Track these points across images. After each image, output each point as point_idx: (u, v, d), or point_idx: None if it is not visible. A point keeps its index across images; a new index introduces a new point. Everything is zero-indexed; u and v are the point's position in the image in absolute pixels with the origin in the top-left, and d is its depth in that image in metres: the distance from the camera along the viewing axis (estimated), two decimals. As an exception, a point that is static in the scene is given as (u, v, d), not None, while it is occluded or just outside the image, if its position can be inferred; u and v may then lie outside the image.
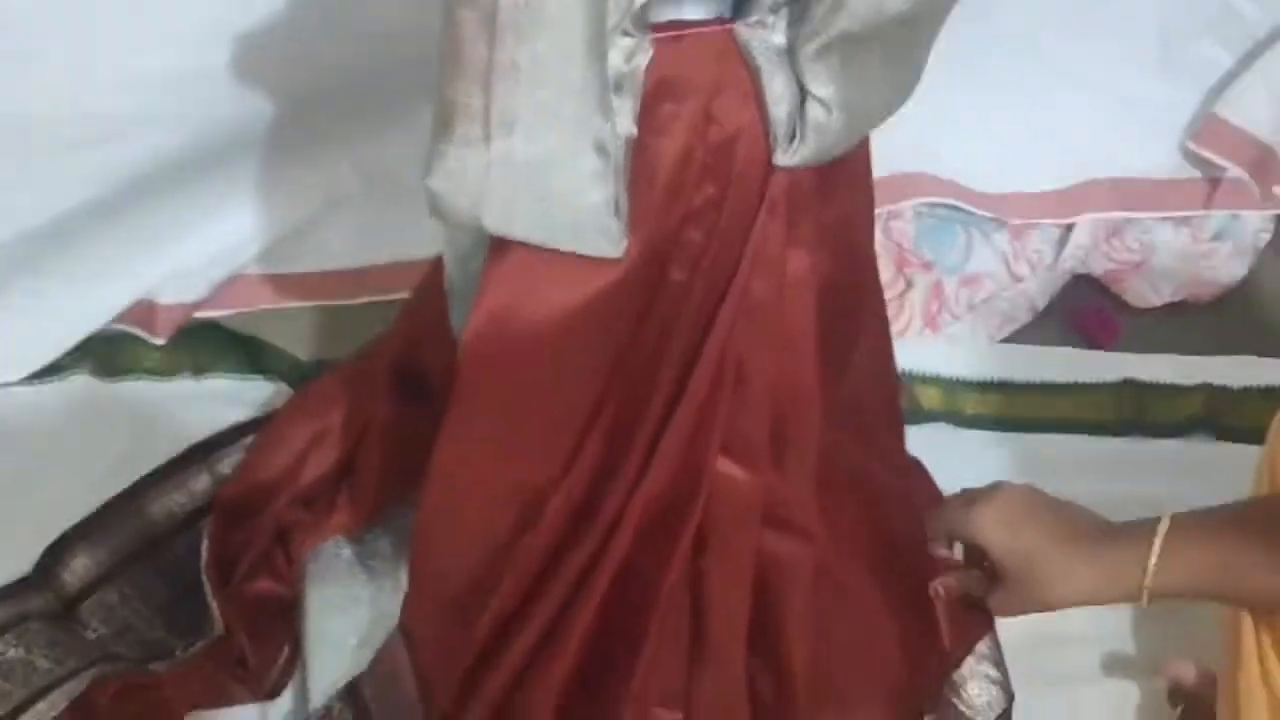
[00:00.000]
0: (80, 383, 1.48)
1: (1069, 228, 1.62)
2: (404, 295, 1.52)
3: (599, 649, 1.06)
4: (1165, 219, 1.64)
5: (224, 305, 1.53)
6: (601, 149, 0.84)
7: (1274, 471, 1.11)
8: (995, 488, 1.19)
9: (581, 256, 0.88)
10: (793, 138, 0.89)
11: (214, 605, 1.24)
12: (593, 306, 0.91)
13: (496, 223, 0.86)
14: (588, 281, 0.90)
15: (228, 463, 1.36)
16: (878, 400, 1.13)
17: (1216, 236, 1.65)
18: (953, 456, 1.41)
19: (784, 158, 0.89)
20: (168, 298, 1.50)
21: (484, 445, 0.99)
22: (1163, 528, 1.08)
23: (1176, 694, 1.19)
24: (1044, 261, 1.61)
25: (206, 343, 1.52)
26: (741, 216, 0.91)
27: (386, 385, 1.28)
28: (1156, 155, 1.65)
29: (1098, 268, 1.63)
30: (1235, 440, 1.47)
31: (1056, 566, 1.12)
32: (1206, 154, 1.62)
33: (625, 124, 0.86)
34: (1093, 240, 1.62)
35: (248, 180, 1.51)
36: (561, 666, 1.05)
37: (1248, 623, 1.08)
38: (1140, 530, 1.10)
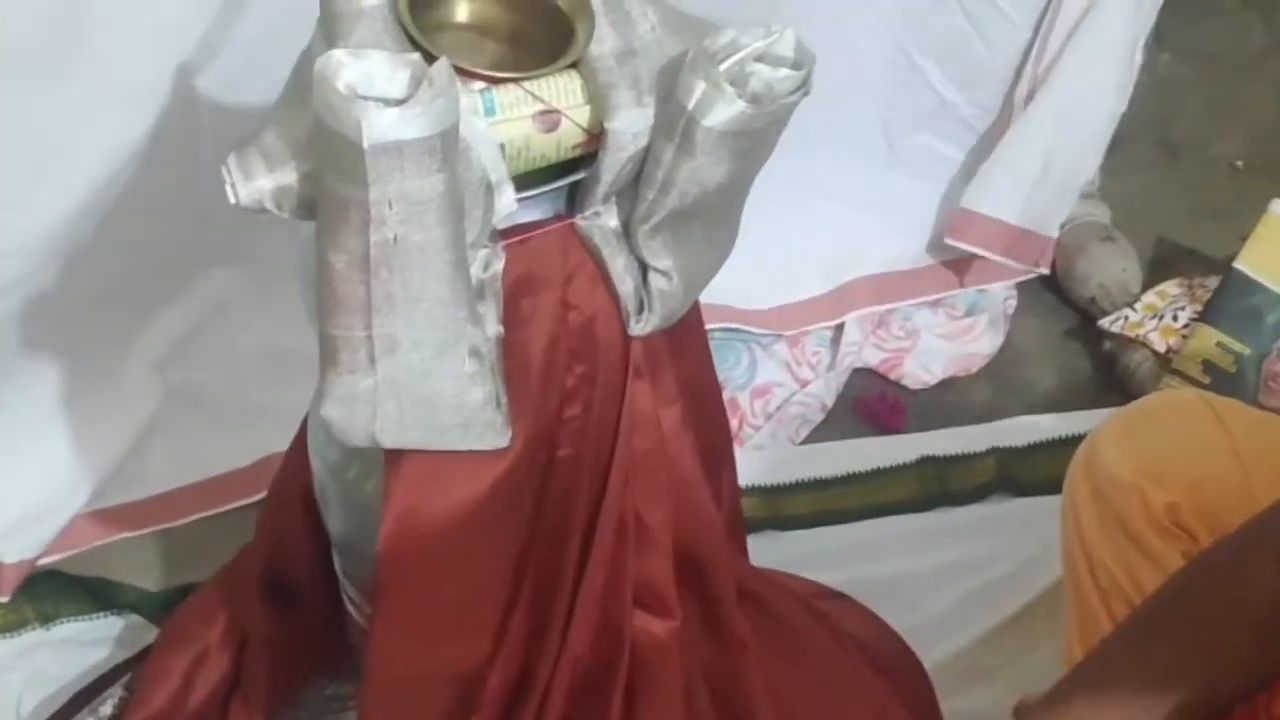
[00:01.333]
0: (-69, 655, 1.47)
1: (840, 328, 1.75)
2: (227, 508, 1.57)
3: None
4: (922, 304, 1.78)
5: (60, 549, 1.53)
6: (475, 352, 0.91)
7: (1077, 513, 1.19)
8: None
9: (473, 452, 0.94)
10: (641, 309, 0.97)
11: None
12: (492, 494, 0.97)
13: (391, 438, 0.92)
14: (483, 473, 0.96)
15: (110, 704, 1.37)
16: (735, 527, 1.22)
17: (969, 312, 1.80)
18: (782, 558, 1.49)
19: (637, 328, 0.97)
20: (11, 556, 1.50)
21: (414, 637, 1.03)
22: None
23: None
24: (823, 362, 1.73)
25: (50, 591, 1.52)
26: (612, 388, 0.99)
27: (257, 598, 1.30)
28: (906, 248, 1.80)
29: (872, 359, 1.76)
30: (1032, 494, 1.60)
31: None
32: (964, 246, 1.75)
33: (492, 325, 0.93)
34: (863, 335, 1.75)
35: (61, 417, 1.53)
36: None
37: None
38: None
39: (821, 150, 1.70)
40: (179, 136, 1.30)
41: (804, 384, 1.71)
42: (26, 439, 1.50)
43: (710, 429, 1.10)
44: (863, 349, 1.75)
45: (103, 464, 1.55)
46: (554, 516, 1.03)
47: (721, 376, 1.65)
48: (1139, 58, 1.73)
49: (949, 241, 1.76)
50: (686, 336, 1.05)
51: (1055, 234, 1.78)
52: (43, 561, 1.52)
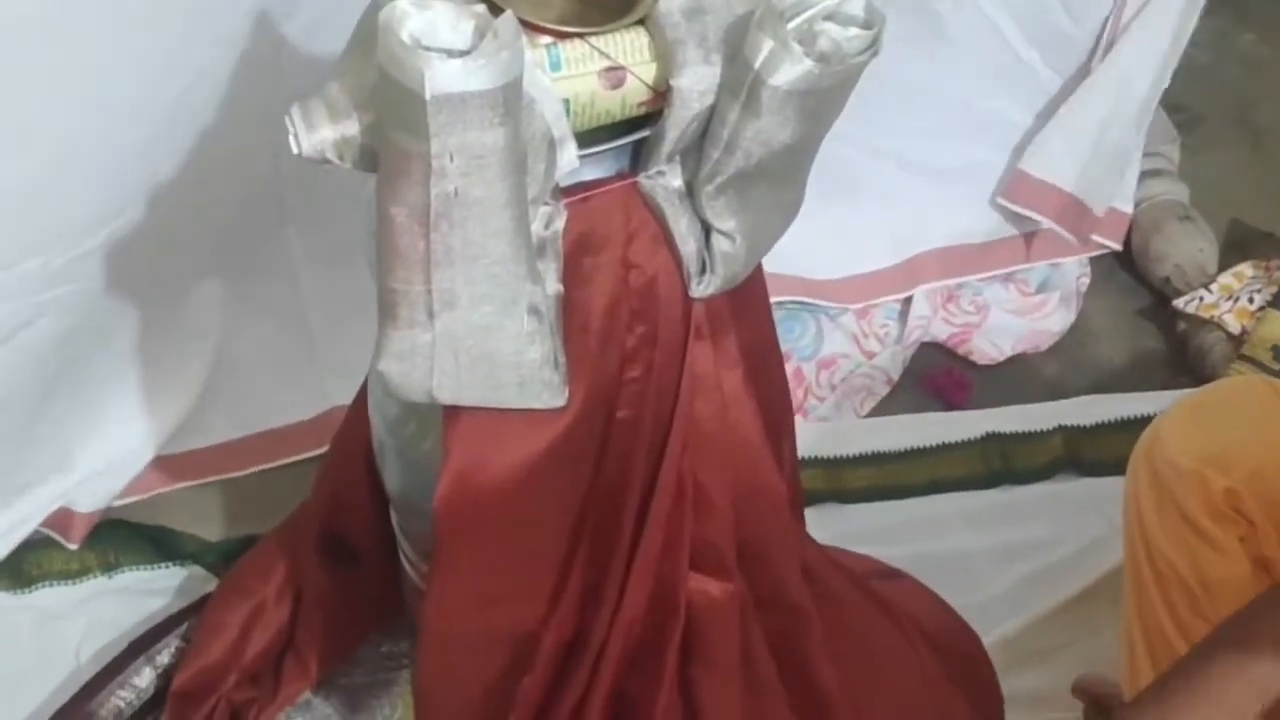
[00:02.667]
0: (-7, 600, 1.49)
1: (908, 301, 1.73)
2: (289, 461, 1.58)
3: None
4: (994, 279, 1.76)
5: (123, 495, 1.55)
6: (534, 310, 0.91)
7: (1137, 498, 1.19)
8: None
9: (530, 411, 0.94)
10: (704, 270, 0.96)
11: (182, 795, 1.27)
12: (549, 455, 0.96)
13: (448, 394, 0.92)
14: (541, 433, 0.96)
15: (167, 653, 1.39)
16: (797, 502, 1.20)
17: (1042, 288, 1.77)
18: (842, 532, 1.50)
19: (699, 289, 0.96)
20: (84, 505, 1.52)
21: (470, 597, 1.03)
22: None
23: (1092, 712, 1.27)
24: (891, 335, 1.72)
25: (114, 539, 1.53)
26: (672, 350, 0.98)
27: (314, 554, 1.31)
28: (976, 220, 1.77)
29: (941, 334, 1.74)
30: (1099, 474, 1.58)
31: None
32: (1016, 208, 1.73)
33: (553, 284, 0.93)
34: (931, 309, 1.73)
35: (134, 368, 1.54)
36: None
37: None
38: None
39: (895, 116, 1.69)
40: (259, 82, 1.30)
41: (870, 356, 1.70)
42: (100, 390, 1.51)
43: (771, 395, 1.09)
44: (931, 323, 1.73)
45: (171, 415, 1.57)
46: (612, 479, 1.02)
47: (787, 347, 1.66)
48: (1189, 31, 1.69)
49: (1000, 201, 1.74)
50: (749, 301, 1.04)
51: (1103, 210, 1.75)
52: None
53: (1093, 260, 1.80)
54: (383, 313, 0.90)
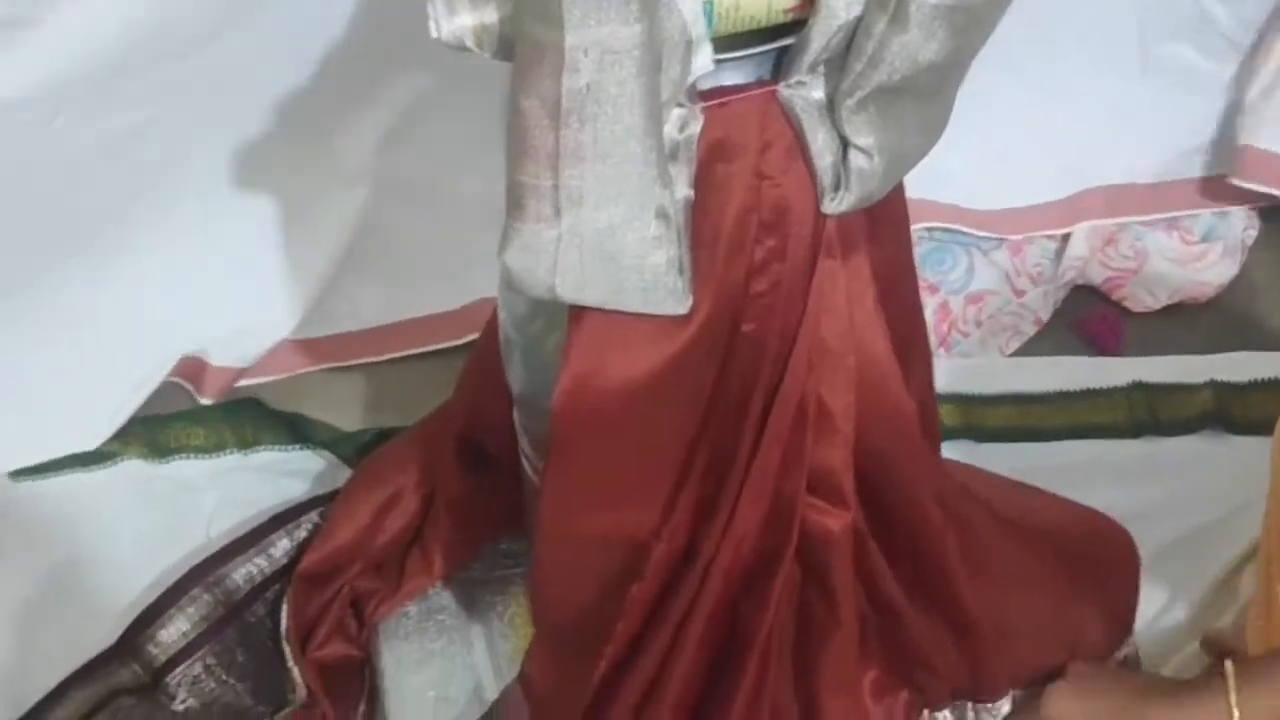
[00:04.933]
0: (132, 467, 1.54)
1: (1065, 240, 1.68)
2: (431, 348, 1.59)
3: (700, 690, 1.12)
4: (1156, 224, 1.71)
5: (263, 373, 1.59)
6: (663, 214, 0.90)
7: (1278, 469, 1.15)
8: (1065, 668, 1.24)
9: (655, 317, 0.93)
10: (838, 186, 0.94)
11: (296, 671, 1.29)
12: (672, 363, 0.95)
13: (569, 291, 0.91)
14: (664, 341, 0.95)
15: (304, 529, 1.42)
16: (929, 426, 1.18)
17: (1206, 238, 1.71)
18: (975, 471, 1.46)
19: (832, 205, 0.94)
20: (217, 359, 1.57)
21: (584, 499, 1.03)
22: (1232, 683, 1.09)
23: (1209, 644, 1.25)
24: (1044, 275, 1.68)
25: (252, 417, 1.57)
26: (802, 264, 0.96)
27: (451, 456, 1.33)
28: (1144, 160, 1.71)
29: (1096, 277, 1.69)
30: (1246, 433, 1.52)
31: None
32: (1253, 186, 1.66)
33: (683, 189, 0.91)
34: (1089, 250, 1.68)
35: (275, 235, 1.57)
36: (667, 708, 1.11)
37: None
38: (1211, 685, 1.11)
39: (1068, 50, 1.65)
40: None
41: (1020, 295, 1.66)
42: (241, 254, 1.54)
43: (904, 319, 1.06)
44: (1088, 265, 1.68)
45: (312, 290, 1.59)
46: (733, 392, 1.01)
47: (936, 279, 1.64)
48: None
49: (1236, 183, 1.67)
50: (886, 222, 1.02)
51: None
52: (244, 383, 1.56)
53: (1263, 212, 1.73)
54: (510, 205, 0.90)
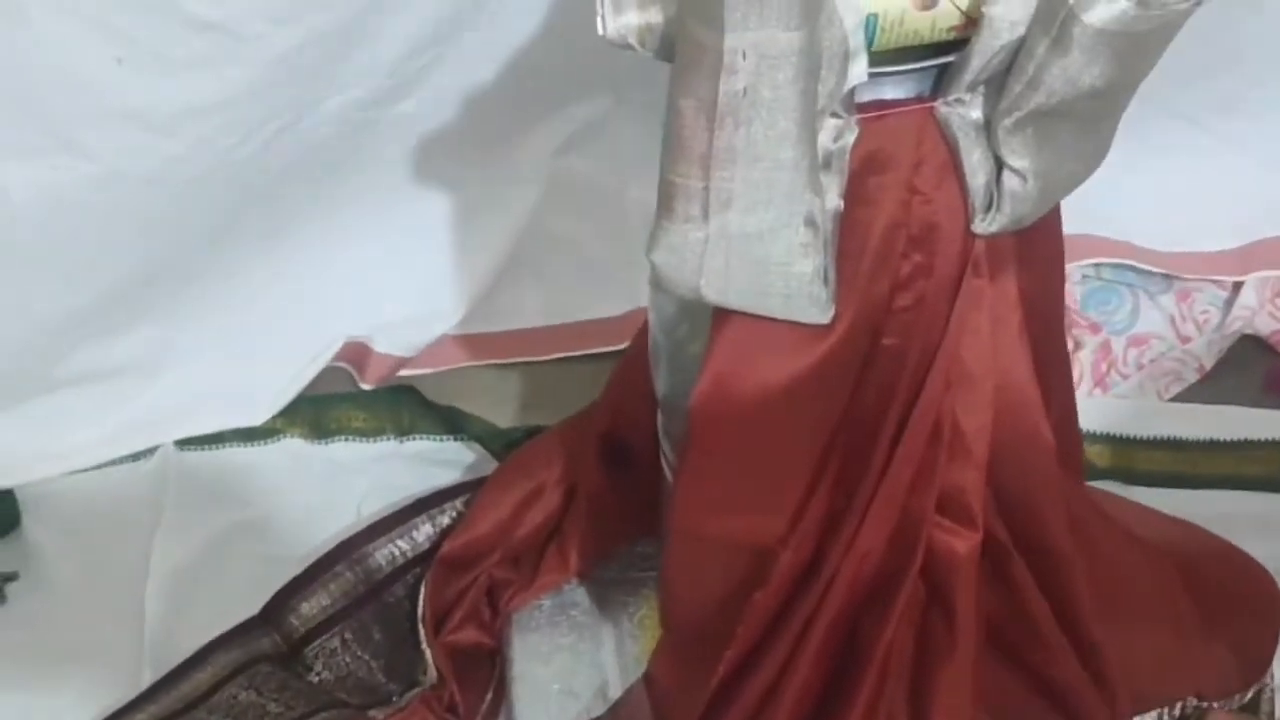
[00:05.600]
0: (293, 445, 1.59)
1: (1236, 289, 1.65)
2: (591, 352, 1.62)
3: (815, 702, 1.13)
4: (1330, 280, 1.67)
5: (424, 365, 1.62)
6: (811, 222, 0.90)
7: None
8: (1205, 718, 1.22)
9: (797, 325, 0.94)
10: (990, 207, 0.94)
11: (429, 653, 1.32)
12: (811, 372, 0.96)
13: (714, 293, 0.93)
14: (804, 349, 0.96)
15: (448, 516, 1.45)
16: (1068, 453, 1.17)
17: (1381, 296, 1.67)
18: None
19: (982, 225, 0.94)
20: (380, 346, 1.61)
21: (715, 501, 1.05)
22: None
23: None
24: (1211, 323, 1.65)
25: (409, 406, 1.60)
26: (947, 282, 0.96)
27: (595, 454, 1.35)
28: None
29: (1264, 328, 1.65)
30: None
31: None
32: None
33: (833, 198, 0.92)
34: (1259, 301, 1.64)
35: (445, 229, 1.61)
36: (781, 717, 1.11)
37: None
38: None
39: (1252, 96, 1.62)
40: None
41: (1185, 341, 1.63)
42: (412, 246, 1.59)
43: (1049, 348, 1.06)
44: (1256, 316, 1.65)
45: (477, 287, 1.63)
46: (869, 406, 1.01)
47: (1100, 319, 1.62)
48: None
49: None
50: (1038, 247, 1.01)
51: None
52: (405, 373, 1.60)
53: None
54: (660, 204, 0.91)
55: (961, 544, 1.06)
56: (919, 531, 1.05)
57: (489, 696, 1.34)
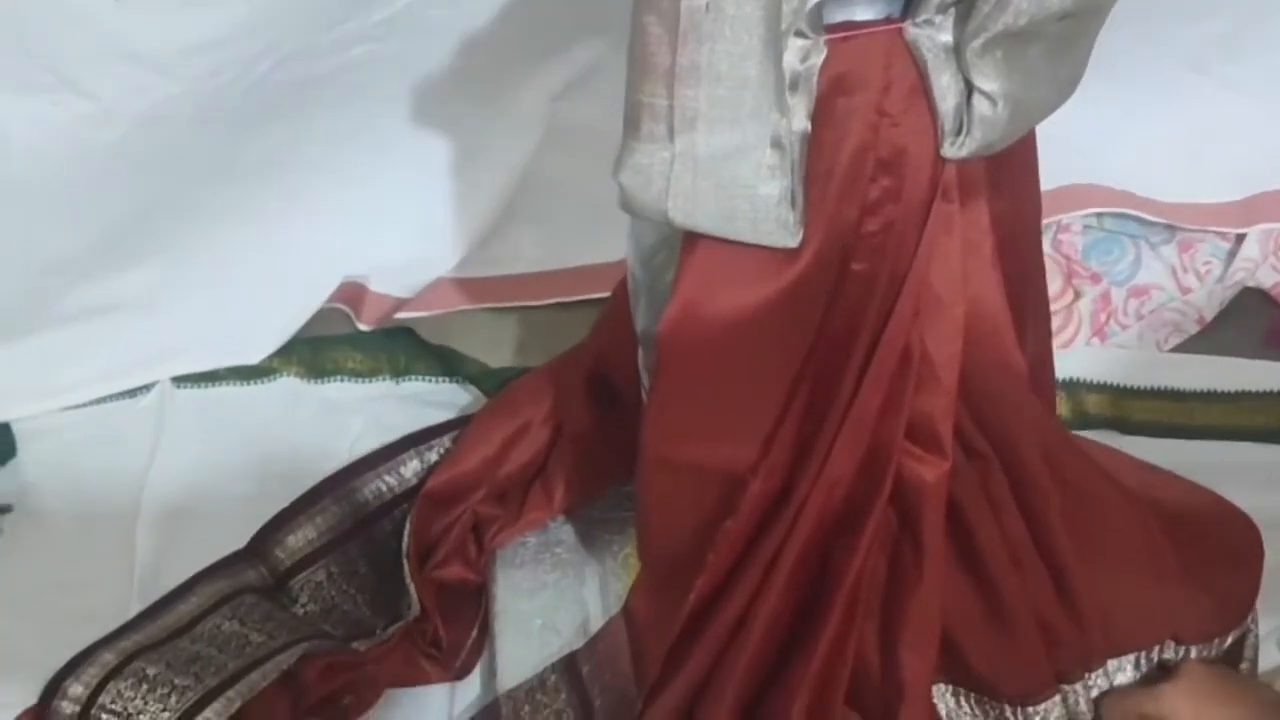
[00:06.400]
0: (289, 384, 1.60)
1: (1238, 241, 1.64)
2: (587, 298, 1.62)
3: (786, 631, 1.13)
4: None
5: (421, 307, 1.62)
6: (778, 143, 0.90)
7: None
8: (1181, 668, 1.20)
9: (766, 250, 0.93)
10: (959, 131, 0.93)
11: (413, 588, 1.32)
12: (780, 297, 0.96)
13: (680, 215, 0.92)
14: (773, 274, 0.95)
15: (435, 452, 1.45)
16: (1043, 385, 1.16)
17: (1386, 250, 1.65)
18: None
19: (952, 150, 0.93)
20: (377, 287, 1.63)
21: (685, 427, 1.04)
22: None
23: None
24: (1212, 274, 1.63)
25: (405, 347, 1.61)
26: (917, 207, 0.96)
27: (581, 392, 1.35)
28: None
29: (1266, 281, 1.64)
30: None
31: None
32: None
33: (800, 120, 0.91)
34: (1262, 253, 1.63)
35: (444, 184, 1.61)
36: (751, 646, 1.11)
37: None
38: None
39: (1259, 53, 1.60)
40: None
41: (1186, 292, 1.62)
42: (411, 188, 1.59)
43: (1023, 275, 1.05)
44: (1258, 268, 1.63)
45: (476, 231, 1.63)
46: (839, 333, 1.01)
47: (1101, 269, 1.61)
48: None
49: None
50: (1011, 174, 1.00)
51: None
52: (402, 315, 1.60)
53: None
54: (626, 125, 0.91)
55: (929, 472, 1.05)
56: (888, 459, 1.05)
57: (474, 632, 1.34)
